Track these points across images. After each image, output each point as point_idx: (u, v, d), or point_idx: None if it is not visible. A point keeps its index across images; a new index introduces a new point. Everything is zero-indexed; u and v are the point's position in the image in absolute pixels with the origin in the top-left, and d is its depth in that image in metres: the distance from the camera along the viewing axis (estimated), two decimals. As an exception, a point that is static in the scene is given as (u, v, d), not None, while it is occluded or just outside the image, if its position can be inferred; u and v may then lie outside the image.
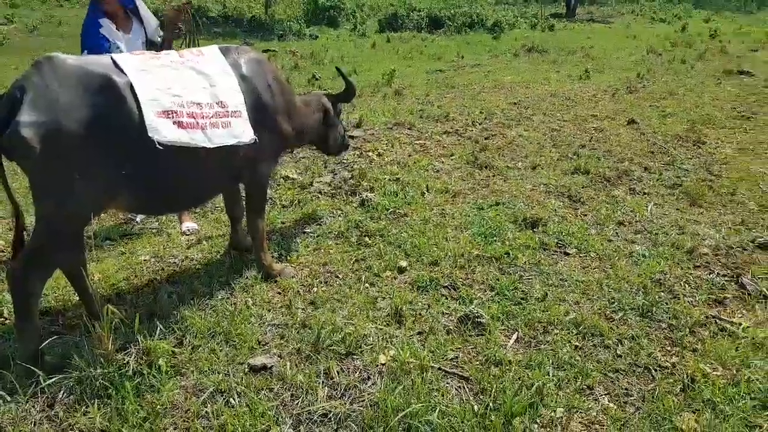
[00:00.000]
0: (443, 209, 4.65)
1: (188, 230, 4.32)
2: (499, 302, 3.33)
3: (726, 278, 3.63)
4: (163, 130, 2.73)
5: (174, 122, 2.79)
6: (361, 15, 24.59)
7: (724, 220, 4.50)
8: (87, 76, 2.57)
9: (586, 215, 4.57)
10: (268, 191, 3.96)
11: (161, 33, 4.10)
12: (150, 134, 2.68)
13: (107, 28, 3.86)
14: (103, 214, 3.82)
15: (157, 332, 2.84)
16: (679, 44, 16.91)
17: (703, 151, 6.25)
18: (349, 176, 5.37)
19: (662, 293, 3.43)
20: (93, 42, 3.81)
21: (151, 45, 4.06)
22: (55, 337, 2.81)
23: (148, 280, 3.60)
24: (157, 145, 2.69)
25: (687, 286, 3.53)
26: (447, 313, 3.25)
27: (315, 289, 3.49)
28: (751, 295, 3.42)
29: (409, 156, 6.02)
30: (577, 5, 38.84)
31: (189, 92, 2.92)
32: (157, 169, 2.82)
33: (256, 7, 24.27)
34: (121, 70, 2.72)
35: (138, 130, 2.68)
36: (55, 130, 2.40)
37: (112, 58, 2.78)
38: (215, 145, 2.96)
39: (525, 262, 3.78)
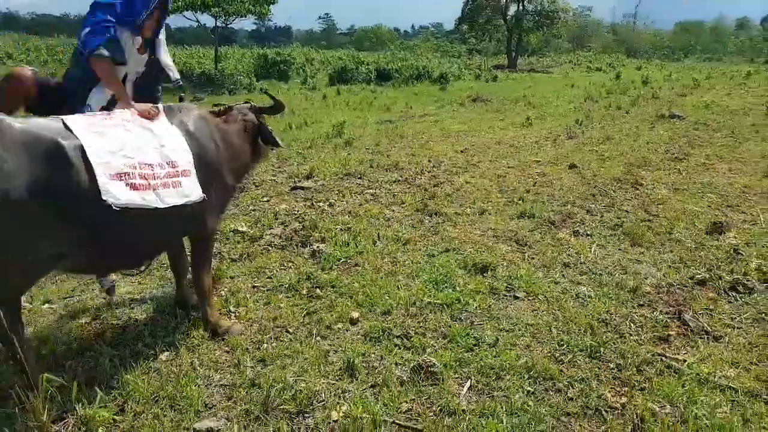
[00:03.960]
0: (395, 257, 4.67)
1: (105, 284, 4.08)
2: (451, 349, 3.31)
3: (669, 315, 3.74)
4: (116, 193, 2.69)
5: (127, 184, 2.77)
6: (311, 69, 25.09)
7: (664, 258, 4.67)
8: (34, 140, 2.51)
9: (533, 258, 4.67)
10: (215, 245, 3.89)
11: (178, 76, 3.92)
12: (104, 197, 2.63)
13: (126, 41, 3.44)
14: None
15: (98, 399, 2.70)
16: (614, 91, 17.90)
17: (640, 193, 6.54)
18: (300, 227, 5.34)
19: (609, 333, 3.50)
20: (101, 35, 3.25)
21: (145, 79, 3.67)
22: (-15, 410, 2.62)
23: (89, 344, 3.43)
24: (114, 207, 2.65)
25: (632, 324, 3.62)
26: (400, 364, 3.20)
27: (265, 345, 3.40)
28: (694, 332, 3.53)
29: (360, 205, 6.06)
30: (518, 57, 40.89)
31: (141, 153, 2.90)
32: (106, 231, 2.76)
33: (206, 63, 24.42)
34: (72, 133, 2.67)
35: (88, 193, 2.62)
36: None
37: (63, 121, 2.73)
38: (166, 206, 2.93)
39: (476, 308, 3.80)
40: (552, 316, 3.71)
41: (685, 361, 3.20)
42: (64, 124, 2.71)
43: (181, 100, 3.88)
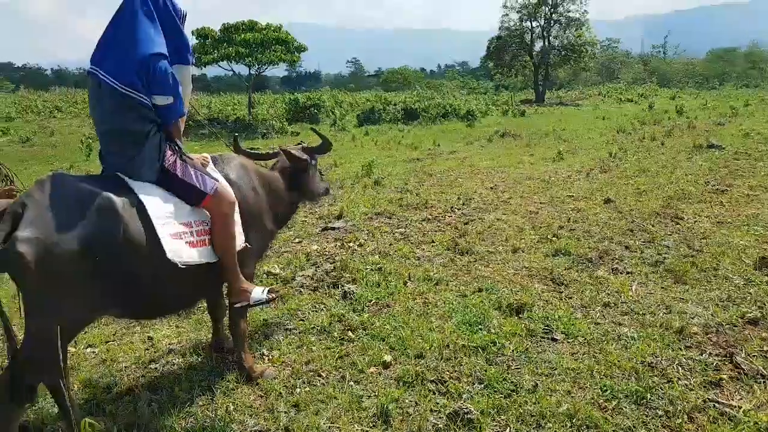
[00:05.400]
0: (426, 298, 4.59)
1: None
2: (488, 395, 3.20)
3: (719, 358, 3.55)
4: (179, 251, 2.78)
5: (186, 243, 2.85)
6: (340, 111, 25.58)
7: (710, 296, 4.47)
8: (90, 195, 2.58)
9: (570, 298, 4.53)
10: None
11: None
12: (169, 256, 2.72)
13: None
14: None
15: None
16: (647, 122, 17.65)
17: (681, 227, 6.34)
18: (331, 268, 5.33)
19: (655, 377, 3.33)
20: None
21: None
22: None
23: (129, 388, 3.44)
24: (180, 266, 2.75)
25: (680, 368, 3.44)
26: (435, 410, 3.10)
27: (298, 390, 3.35)
28: (748, 375, 3.33)
29: (390, 245, 6.03)
30: (545, 91, 40.90)
31: (193, 212, 2.97)
32: (154, 284, 2.81)
33: (240, 109, 25.18)
34: (130, 190, 2.75)
35: (143, 251, 2.68)
36: (51, 248, 2.37)
37: (122, 177, 2.81)
38: (217, 259, 3.02)
39: (512, 351, 3.68)
40: (593, 360, 3.56)
41: (740, 407, 3.01)
42: (122, 179, 2.80)
43: (235, 140, 3.99)
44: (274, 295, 3.37)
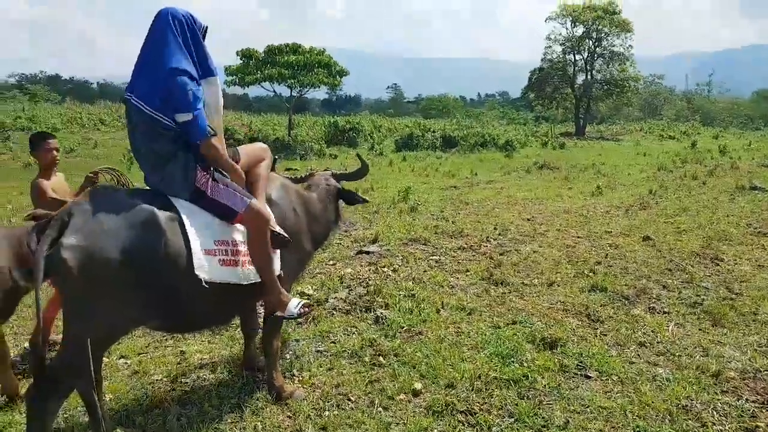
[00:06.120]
0: (459, 327, 4.59)
1: None
2: (518, 430, 3.18)
3: (756, 404, 3.45)
4: (209, 268, 2.82)
5: (219, 260, 2.90)
6: (378, 136, 25.90)
7: (749, 341, 4.36)
8: (134, 208, 2.69)
9: (605, 335, 4.47)
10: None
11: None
12: (197, 272, 2.77)
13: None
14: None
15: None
16: (689, 160, 17.31)
17: (721, 269, 6.20)
18: (365, 292, 5.38)
19: (690, 421, 3.26)
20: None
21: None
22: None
23: (159, 401, 3.53)
24: (204, 284, 2.77)
25: (715, 413, 3.36)
26: (464, 441, 3.10)
27: (326, 413, 3.38)
28: (786, 425, 3.23)
29: (424, 272, 6.05)
30: (586, 124, 40.56)
31: (233, 230, 3.04)
32: (190, 299, 2.86)
33: (280, 130, 25.73)
34: (172, 205, 2.85)
35: (179, 264, 2.75)
36: (94, 256, 2.48)
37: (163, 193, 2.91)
38: (249, 282, 3.06)
39: (544, 386, 3.65)
40: (627, 399, 3.50)
41: (778, 458, 2.93)
42: (167, 196, 2.89)
43: (275, 161, 4.11)
44: (307, 310, 3.40)
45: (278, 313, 3.35)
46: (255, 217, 3.02)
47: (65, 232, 2.47)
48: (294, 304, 3.31)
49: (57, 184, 4.28)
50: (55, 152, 4.32)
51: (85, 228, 2.51)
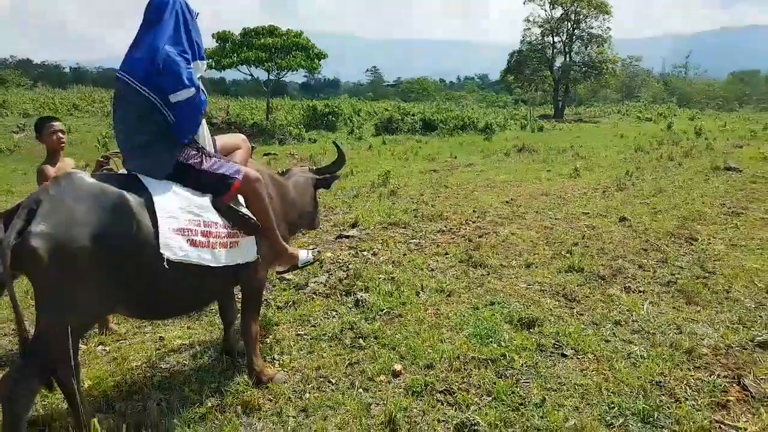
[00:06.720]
0: (438, 309, 4.63)
1: None
2: (496, 408, 3.22)
3: (727, 380, 3.54)
4: (174, 247, 2.77)
5: (187, 240, 2.84)
6: (357, 120, 25.72)
7: (721, 318, 4.46)
8: (104, 192, 2.64)
9: (582, 315, 4.54)
10: (264, 293, 3.97)
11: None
12: (161, 251, 2.72)
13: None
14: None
15: (143, 444, 2.74)
16: (665, 142, 17.53)
17: (695, 248, 6.32)
18: (345, 276, 5.39)
19: (663, 396, 3.34)
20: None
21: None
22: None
23: (139, 387, 3.51)
24: (165, 264, 2.72)
25: (688, 388, 3.44)
26: (443, 420, 3.14)
27: (307, 395, 3.40)
28: (755, 398, 3.32)
29: (404, 255, 6.08)
30: (565, 107, 40.81)
31: (207, 211, 3.01)
32: (162, 282, 2.83)
33: (258, 114, 25.42)
34: (143, 187, 2.81)
35: (149, 246, 2.71)
36: (63, 243, 2.44)
37: (137, 176, 2.88)
38: (220, 265, 3.03)
39: (522, 365, 3.70)
40: (602, 377, 3.57)
41: (745, 429, 3.01)
42: (138, 178, 2.86)
43: (252, 150, 4.08)
44: (317, 254, 3.72)
45: (291, 267, 3.68)
46: (250, 180, 3.15)
47: (33, 220, 2.42)
48: (305, 253, 3.57)
49: (63, 170, 4.20)
50: (60, 134, 4.27)
51: (53, 215, 2.46)
